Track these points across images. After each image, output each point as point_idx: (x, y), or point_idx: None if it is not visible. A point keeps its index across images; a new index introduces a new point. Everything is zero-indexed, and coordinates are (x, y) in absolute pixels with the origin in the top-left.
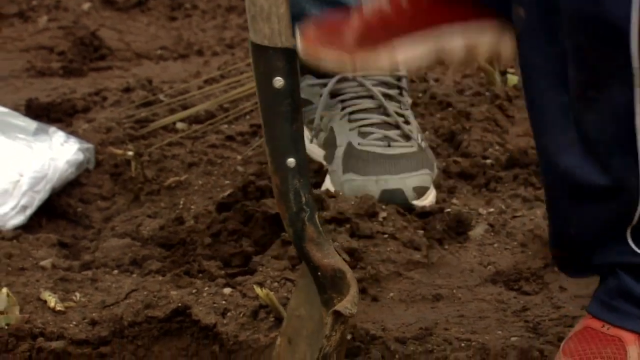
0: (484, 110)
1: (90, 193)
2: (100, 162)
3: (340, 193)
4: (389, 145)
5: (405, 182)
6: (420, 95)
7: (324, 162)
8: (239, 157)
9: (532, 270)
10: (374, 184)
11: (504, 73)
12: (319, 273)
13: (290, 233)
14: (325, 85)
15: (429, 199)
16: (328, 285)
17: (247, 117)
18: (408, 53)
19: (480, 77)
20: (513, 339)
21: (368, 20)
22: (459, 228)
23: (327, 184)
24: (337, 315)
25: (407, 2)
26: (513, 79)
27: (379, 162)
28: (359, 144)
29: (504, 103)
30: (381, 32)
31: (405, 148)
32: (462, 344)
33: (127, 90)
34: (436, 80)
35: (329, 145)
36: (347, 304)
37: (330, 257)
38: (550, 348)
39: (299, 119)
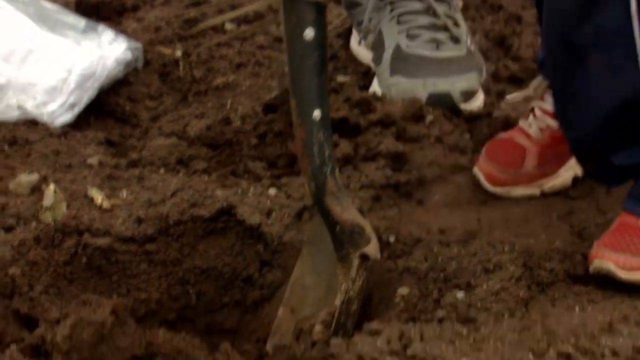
0: (536, 13)
1: (138, 92)
2: (148, 62)
3: (387, 96)
4: (438, 48)
5: (453, 85)
6: None
7: (372, 65)
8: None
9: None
10: (421, 87)
11: None
12: (338, 227)
13: (312, 187)
14: None
15: (476, 103)
16: (346, 239)
17: None
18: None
19: None
20: (557, 243)
21: (543, 144)
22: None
23: (375, 87)
24: (364, 257)
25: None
26: None
27: (427, 64)
28: (407, 46)
29: None
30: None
31: (454, 51)
32: (506, 247)
33: None
34: None
35: (377, 47)
36: (371, 249)
37: (349, 211)
38: None
39: (326, 72)
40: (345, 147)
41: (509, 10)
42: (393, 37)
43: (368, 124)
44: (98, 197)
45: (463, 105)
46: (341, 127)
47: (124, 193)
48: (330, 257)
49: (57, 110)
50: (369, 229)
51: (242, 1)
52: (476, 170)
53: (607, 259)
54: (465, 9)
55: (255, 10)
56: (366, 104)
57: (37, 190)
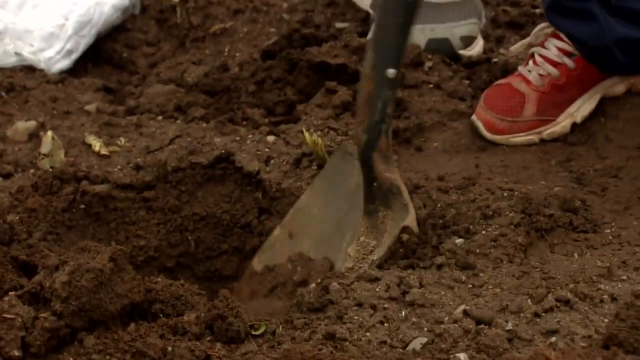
0: None
1: (136, 39)
2: (145, 8)
3: None
4: None
5: (452, 31)
6: None
7: (370, 10)
8: (285, 5)
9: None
10: (420, 33)
11: None
12: (375, 183)
13: (363, 140)
14: None
15: (476, 49)
16: (379, 197)
17: None
18: (585, 111)
19: None
20: (556, 188)
21: (542, 91)
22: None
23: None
24: (405, 229)
25: (575, 68)
26: None
27: (426, 10)
28: None
29: None
30: (557, 98)
31: None
32: (505, 194)
33: None
34: None
35: None
36: (413, 224)
37: (392, 172)
38: (592, 198)
39: (408, 37)
40: (343, 94)
41: None
42: None
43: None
44: (96, 144)
45: (462, 52)
46: (340, 74)
47: (122, 140)
48: (344, 199)
49: (54, 56)
50: (406, 195)
51: None
52: (474, 118)
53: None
54: None
55: None
56: (364, 50)
57: (34, 137)
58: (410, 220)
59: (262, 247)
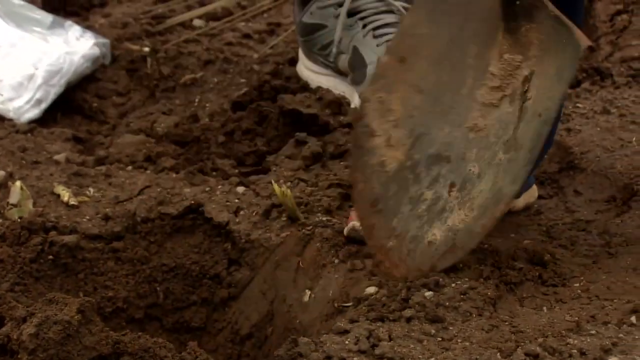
0: None
1: (106, 88)
2: (116, 58)
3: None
4: None
5: None
6: None
7: (351, 84)
8: (256, 56)
9: (548, 174)
10: None
11: None
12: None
13: None
14: (337, 5)
15: None
16: (522, 13)
17: (265, 15)
18: None
19: None
20: (525, 242)
21: None
22: None
23: (357, 103)
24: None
25: None
26: None
27: None
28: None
29: None
30: None
31: None
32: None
33: None
34: None
35: (356, 66)
36: (582, 37)
37: None
38: (561, 251)
39: None
40: (313, 145)
41: None
42: (373, 51)
43: (338, 124)
44: (65, 194)
45: None
46: (310, 125)
47: (91, 190)
48: (473, 14)
49: (24, 106)
50: (552, 7)
51: None
52: None
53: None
54: None
55: (224, 7)
56: (338, 105)
57: (3, 187)
58: (581, 37)
59: (371, 78)
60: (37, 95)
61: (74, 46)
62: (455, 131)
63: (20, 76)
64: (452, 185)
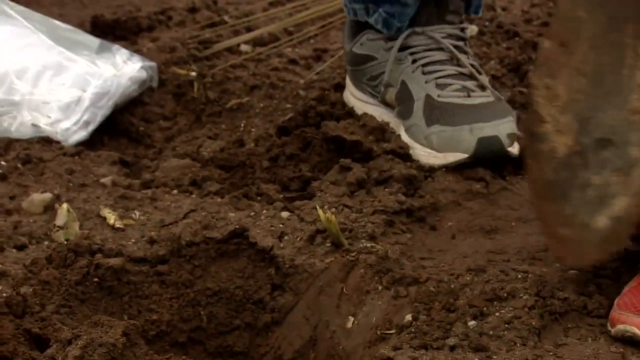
0: None
1: (153, 112)
2: (163, 82)
3: (428, 146)
4: (469, 96)
5: (499, 128)
6: (486, 24)
7: (397, 118)
8: (301, 81)
9: None
10: (468, 133)
11: None
12: None
13: None
14: (387, 39)
15: (517, 146)
16: None
17: (311, 41)
18: None
19: (549, 6)
20: (571, 272)
21: None
22: (522, 160)
23: (406, 139)
24: None
25: None
26: None
27: (466, 111)
28: (438, 95)
29: None
30: None
31: (484, 98)
32: (519, 276)
33: (192, 10)
34: (504, 9)
35: (403, 99)
36: None
37: None
38: (607, 282)
39: None
40: (358, 171)
41: (525, 37)
42: (421, 87)
43: (382, 151)
44: (111, 217)
45: (510, 149)
46: (354, 151)
47: (137, 213)
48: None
49: (71, 128)
50: None
51: (258, 23)
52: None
53: (630, 324)
54: (480, 35)
55: (270, 32)
56: (381, 132)
57: (50, 209)
58: None
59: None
60: (85, 118)
61: (121, 69)
62: (618, 114)
63: (68, 98)
64: (617, 170)
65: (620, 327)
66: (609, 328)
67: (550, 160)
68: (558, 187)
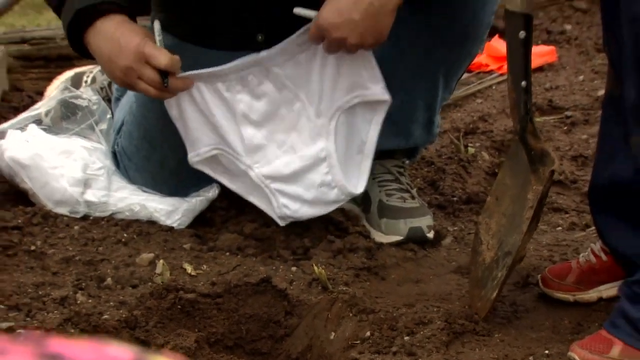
0: (454, 167)
1: (215, 205)
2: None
3: (378, 231)
4: (405, 201)
5: (421, 222)
6: (415, 163)
7: (362, 212)
8: None
9: None
10: (403, 224)
11: (466, 146)
12: (533, 152)
13: (518, 128)
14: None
15: (432, 232)
16: (537, 160)
17: None
18: (609, 292)
19: (452, 147)
20: (466, 308)
21: (583, 270)
22: (435, 239)
23: (366, 225)
24: (552, 173)
25: (607, 259)
26: (471, 150)
27: (402, 211)
28: (386, 200)
29: (465, 164)
30: (592, 277)
31: (414, 203)
32: (435, 309)
33: None
34: (425, 148)
35: (365, 201)
36: (556, 166)
37: (540, 143)
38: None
39: (530, 59)
40: (338, 243)
41: (437, 165)
42: (376, 194)
43: (353, 230)
44: (189, 268)
45: (428, 235)
46: (336, 230)
47: (205, 266)
48: (522, 170)
49: (171, 223)
50: (552, 154)
51: None
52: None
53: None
54: (412, 165)
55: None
56: (356, 218)
57: (152, 263)
58: (555, 166)
59: (483, 210)
60: (182, 219)
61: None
62: (517, 237)
63: (170, 207)
64: (506, 265)
65: (569, 353)
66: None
67: (481, 265)
68: (482, 280)
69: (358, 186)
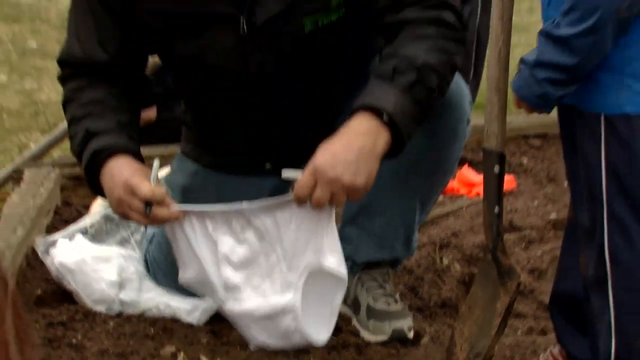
0: (430, 276)
1: None
2: None
3: (366, 329)
4: (389, 305)
5: (403, 323)
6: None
7: (353, 313)
8: None
9: None
10: (387, 325)
11: (441, 258)
12: (502, 268)
13: (491, 246)
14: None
15: (412, 332)
16: (505, 274)
17: None
18: None
19: (429, 259)
20: None
21: None
22: (415, 338)
23: (357, 325)
24: (519, 285)
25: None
26: (445, 261)
27: (386, 313)
28: (374, 304)
29: (440, 273)
30: None
31: (398, 306)
32: None
33: None
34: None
35: (354, 304)
36: (520, 280)
37: (508, 259)
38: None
39: (502, 192)
40: (332, 341)
41: (417, 273)
42: (364, 299)
43: (347, 330)
44: (204, 358)
45: (409, 334)
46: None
47: (219, 359)
48: (492, 284)
49: (191, 320)
50: (518, 270)
51: None
52: None
53: None
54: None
55: None
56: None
57: (174, 355)
58: (521, 280)
59: (458, 318)
60: (200, 318)
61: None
62: (485, 341)
63: (190, 306)
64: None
65: None
66: None
67: None
68: None
69: (321, 336)
